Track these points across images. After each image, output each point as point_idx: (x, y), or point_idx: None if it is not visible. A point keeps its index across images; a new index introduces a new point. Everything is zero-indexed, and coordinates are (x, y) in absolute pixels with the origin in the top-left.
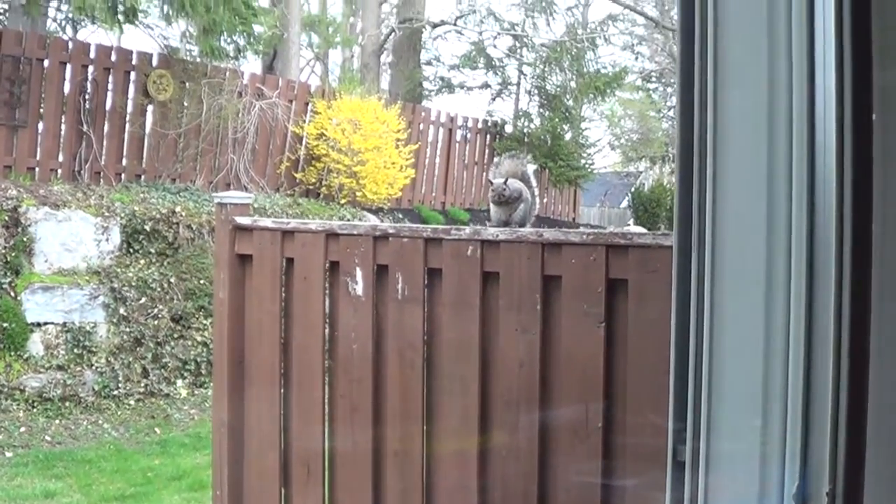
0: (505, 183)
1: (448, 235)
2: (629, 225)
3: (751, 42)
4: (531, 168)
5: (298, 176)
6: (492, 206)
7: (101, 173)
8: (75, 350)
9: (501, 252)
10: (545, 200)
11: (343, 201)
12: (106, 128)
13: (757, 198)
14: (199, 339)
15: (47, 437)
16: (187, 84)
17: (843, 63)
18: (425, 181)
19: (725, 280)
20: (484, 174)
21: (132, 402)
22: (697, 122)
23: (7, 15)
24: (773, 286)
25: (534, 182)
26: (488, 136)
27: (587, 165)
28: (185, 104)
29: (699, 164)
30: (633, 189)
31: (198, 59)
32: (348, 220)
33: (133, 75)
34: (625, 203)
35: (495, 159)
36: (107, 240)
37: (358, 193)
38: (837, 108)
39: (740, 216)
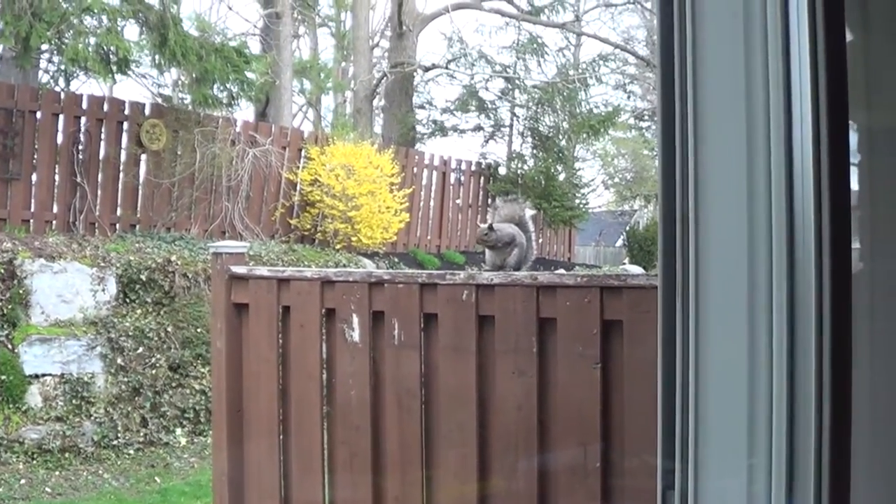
0: (490, 228)
1: (443, 280)
2: (624, 264)
3: (729, 83)
4: (529, 212)
5: (293, 222)
6: (486, 250)
7: (96, 224)
8: (74, 401)
9: (496, 296)
10: (540, 241)
11: (338, 246)
12: (100, 178)
13: (738, 236)
14: (197, 387)
15: (48, 489)
16: (180, 133)
17: (819, 109)
18: (420, 224)
19: (709, 318)
20: (478, 216)
21: (132, 452)
22: (679, 157)
23: None
24: (755, 324)
25: (531, 226)
26: (482, 178)
27: (581, 205)
28: (179, 153)
29: (681, 202)
30: (627, 228)
31: (190, 108)
32: (344, 265)
33: (126, 125)
34: (620, 242)
35: (497, 201)
36: (103, 290)
37: (353, 238)
38: (814, 149)
39: (722, 255)
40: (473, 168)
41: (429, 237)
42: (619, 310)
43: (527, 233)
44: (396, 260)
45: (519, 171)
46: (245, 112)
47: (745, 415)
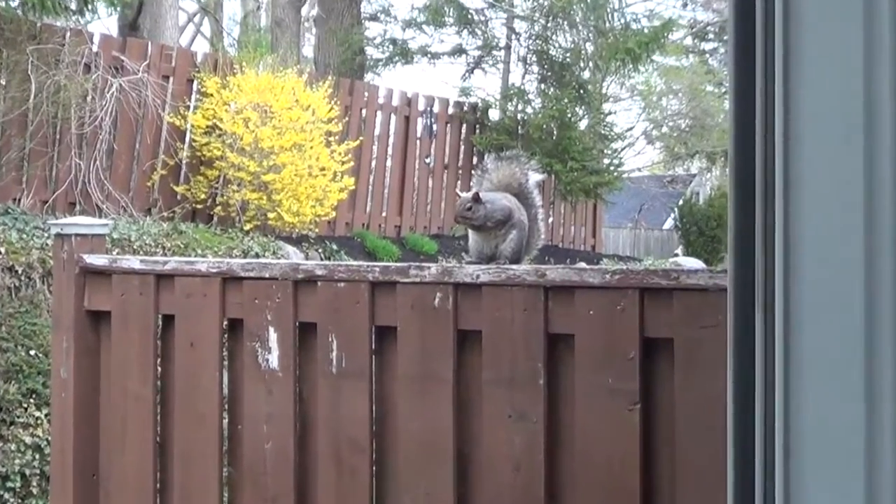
0: (476, 199)
1: (405, 277)
2: (676, 255)
3: None
4: (535, 178)
5: (180, 190)
6: (470, 233)
7: None
8: None
9: (485, 301)
10: (551, 220)
11: (248, 227)
12: None
13: (850, 216)
14: (27, 440)
15: None
16: (4, 52)
17: None
18: (372, 195)
19: (807, 338)
20: (458, 182)
21: None
22: (761, 102)
23: None
24: (876, 350)
25: (537, 198)
26: (464, 127)
27: (613, 168)
28: (2, 83)
29: (763, 165)
30: (681, 201)
31: (20, 14)
32: (256, 254)
33: None
34: (669, 222)
35: (487, 161)
36: None
37: (270, 215)
38: None
39: (827, 245)
40: (451, 111)
41: (384, 214)
42: (668, 323)
43: (530, 208)
44: (335, 247)
45: (520, 117)
46: (107, 22)
47: (860, 485)
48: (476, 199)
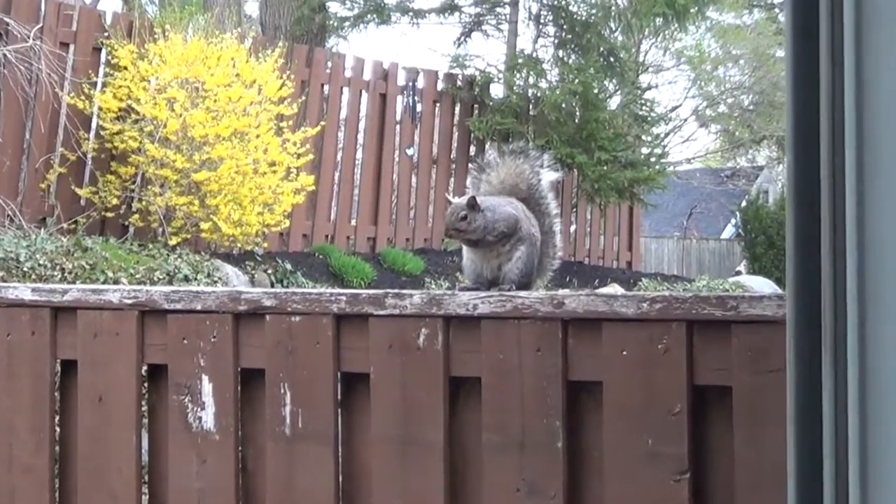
0: (471, 205)
1: (381, 308)
2: (738, 274)
3: None
4: (550, 176)
5: (84, 193)
6: (465, 249)
7: None
8: None
9: (485, 339)
10: (571, 230)
11: (174, 241)
12: None
13: None
14: None
15: None
16: None
17: None
18: (338, 198)
19: (889, 387)
20: (450, 182)
21: None
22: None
23: None
24: None
25: (552, 203)
26: (458, 108)
27: (654, 159)
28: None
29: (831, 155)
30: (744, 203)
31: None
32: (185, 279)
33: None
34: (729, 230)
35: (488, 153)
36: None
37: (203, 225)
38: None
39: None
40: (441, 86)
41: (353, 222)
42: (726, 366)
43: (543, 216)
44: (290, 267)
45: (531, 93)
46: None
47: None
48: (472, 205)
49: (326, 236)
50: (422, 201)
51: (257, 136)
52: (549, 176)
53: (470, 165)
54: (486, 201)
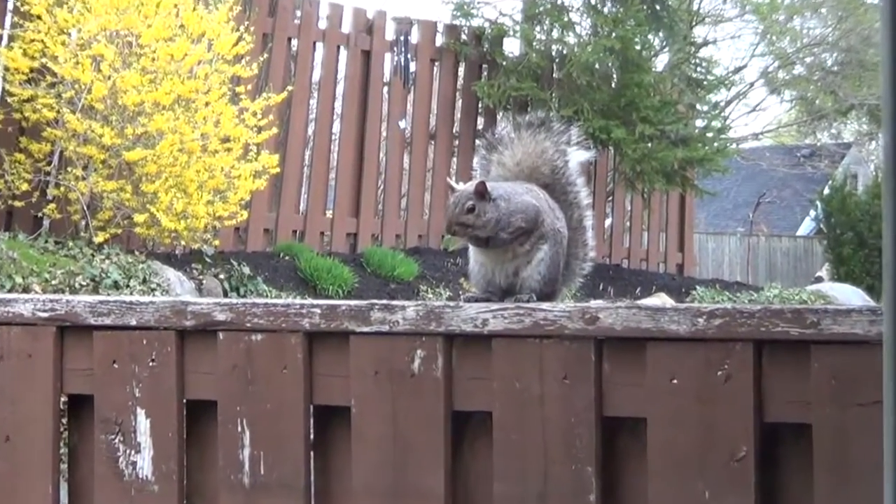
0: (479, 192)
1: (364, 324)
2: (819, 280)
3: None
4: (579, 156)
5: None
6: (472, 249)
7: None
8: None
9: (497, 363)
10: (606, 225)
11: (101, 238)
12: None
13: None
14: None
15: None
16: None
17: None
18: (309, 184)
19: None
20: (452, 163)
21: None
22: None
23: None
24: None
25: (582, 191)
26: (462, 68)
27: (712, 134)
28: None
29: None
30: (826, 189)
31: None
32: (115, 286)
33: None
34: (807, 224)
35: (500, 126)
36: None
37: (138, 218)
38: None
39: None
40: (441, 41)
41: (329, 214)
42: (803, 398)
43: (571, 207)
44: (248, 272)
45: (555, 50)
46: None
47: None
48: (482, 193)
49: (294, 232)
50: (416, 188)
51: (207, 105)
52: (578, 156)
53: (477, 142)
54: (499, 188)
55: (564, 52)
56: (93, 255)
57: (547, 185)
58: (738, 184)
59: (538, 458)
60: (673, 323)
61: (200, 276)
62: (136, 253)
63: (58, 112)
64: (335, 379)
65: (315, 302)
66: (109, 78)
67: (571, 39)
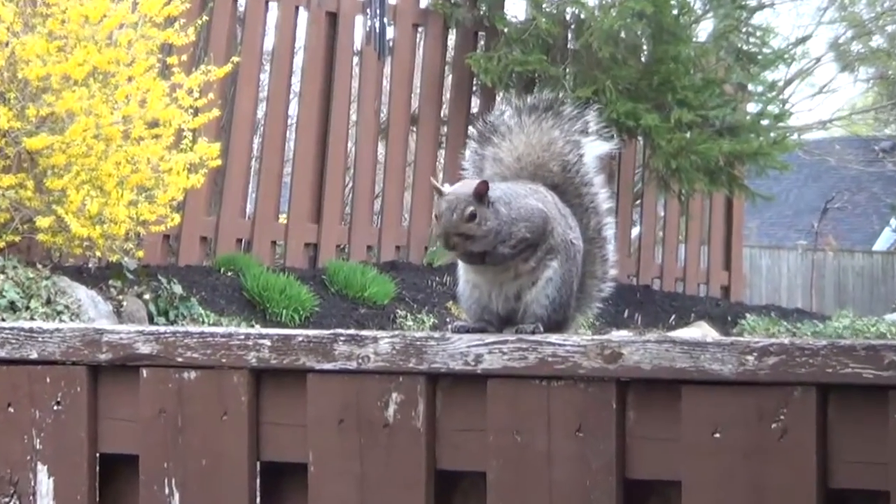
0: (478, 195)
1: (326, 360)
2: None
3: None
4: (596, 149)
5: None
6: (461, 266)
7: None
8: None
9: (493, 410)
10: (634, 233)
11: None
12: None
13: None
14: None
15: None
16: None
17: None
18: (258, 181)
19: None
20: (440, 156)
21: None
22: None
23: None
24: None
25: (601, 193)
26: (451, 36)
27: (768, 121)
28: None
29: None
30: None
31: None
32: (11, 307)
33: None
34: (886, 236)
35: (501, 109)
36: None
37: (42, 222)
38: None
39: None
40: (427, 1)
41: (283, 220)
42: (881, 456)
43: (587, 213)
44: (180, 290)
45: (569, 14)
46: None
47: None
48: (481, 195)
49: (240, 241)
50: (394, 187)
51: (130, 80)
52: (595, 148)
53: (469, 131)
54: (497, 189)
55: (582, 16)
56: None
57: (556, 185)
58: (801, 185)
59: None
60: (716, 361)
61: (120, 297)
62: (39, 266)
63: None
64: (288, 429)
65: (264, 331)
66: (7, 45)
67: (591, 1)
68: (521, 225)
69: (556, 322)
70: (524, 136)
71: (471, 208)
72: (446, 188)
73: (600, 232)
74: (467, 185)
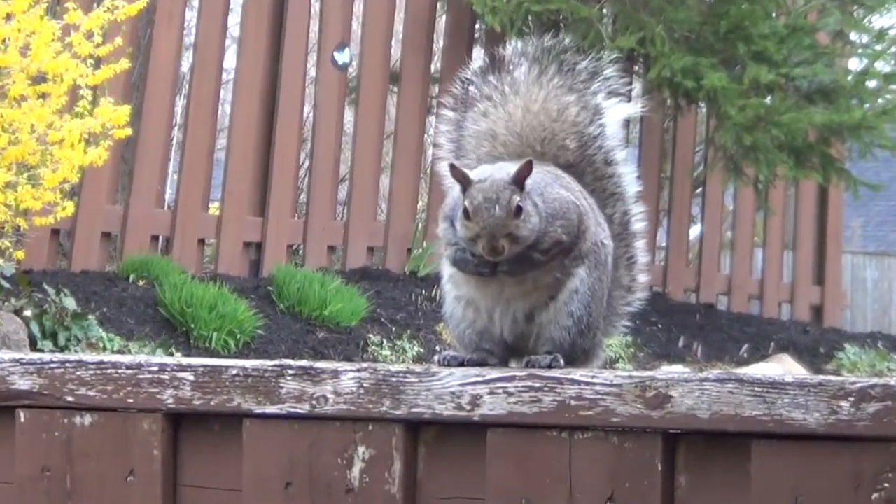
0: (521, 178)
1: (267, 403)
2: None
3: None
4: (618, 111)
5: None
6: (449, 277)
7: None
8: None
9: (494, 469)
10: (693, 234)
11: None
12: None
13: None
14: None
15: None
16: None
17: None
18: (182, 157)
19: None
20: (428, 124)
21: None
22: None
23: None
24: None
25: (624, 173)
26: None
27: (877, 83)
28: None
29: None
30: None
31: None
32: None
33: None
34: None
35: (505, 49)
36: None
37: None
38: None
39: None
40: None
41: (215, 210)
42: None
43: (611, 202)
44: (73, 305)
45: None
46: None
47: None
48: (521, 182)
49: (156, 239)
50: (366, 166)
51: (8, 18)
52: (618, 111)
53: (447, 98)
54: (531, 182)
55: None
56: None
57: (570, 165)
58: None
59: None
60: (798, 408)
61: None
62: None
63: None
64: (216, 495)
65: (186, 361)
66: None
67: None
68: (556, 224)
69: (583, 350)
70: (521, 100)
71: (516, 198)
72: (475, 173)
73: (627, 226)
74: (501, 169)
